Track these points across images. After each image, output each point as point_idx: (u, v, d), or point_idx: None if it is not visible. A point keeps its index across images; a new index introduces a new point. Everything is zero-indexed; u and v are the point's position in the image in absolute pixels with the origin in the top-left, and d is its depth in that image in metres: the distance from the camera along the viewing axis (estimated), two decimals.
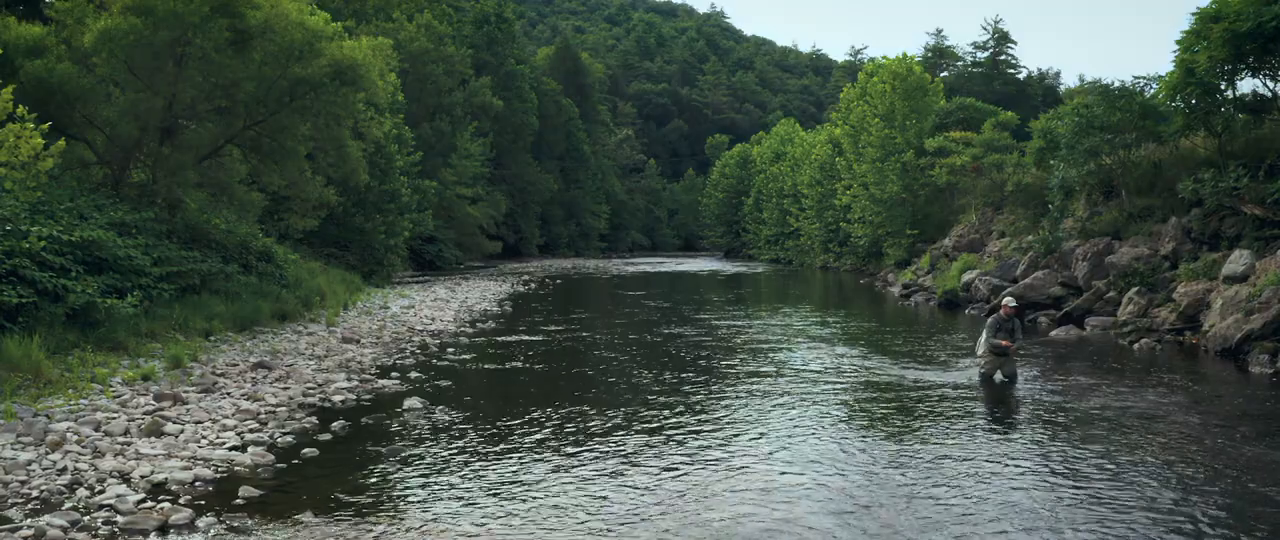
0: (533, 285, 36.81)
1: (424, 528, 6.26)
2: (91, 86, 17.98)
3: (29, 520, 6.32)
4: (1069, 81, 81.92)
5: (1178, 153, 21.97)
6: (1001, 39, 71.65)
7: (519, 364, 14.38)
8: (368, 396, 11.02)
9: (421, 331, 18.18)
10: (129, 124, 18.02)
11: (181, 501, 6.71)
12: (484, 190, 60.60)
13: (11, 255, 11.80)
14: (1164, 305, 18.29)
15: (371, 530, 6.16)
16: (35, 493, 6.92)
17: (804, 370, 13.76)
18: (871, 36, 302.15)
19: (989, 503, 6.88)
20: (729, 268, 59.14)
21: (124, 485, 7.08)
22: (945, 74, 72.47)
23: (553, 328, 19.86)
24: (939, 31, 77.67)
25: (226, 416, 9.46)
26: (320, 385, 11.44)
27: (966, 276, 25.32)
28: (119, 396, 10.14)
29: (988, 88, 67.61)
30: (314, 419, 9.57)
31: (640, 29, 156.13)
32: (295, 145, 19.26)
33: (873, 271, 41.37)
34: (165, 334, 14.05)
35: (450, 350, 15.59)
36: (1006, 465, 8.02)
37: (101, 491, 6.92)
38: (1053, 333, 18.70)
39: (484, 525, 6.33)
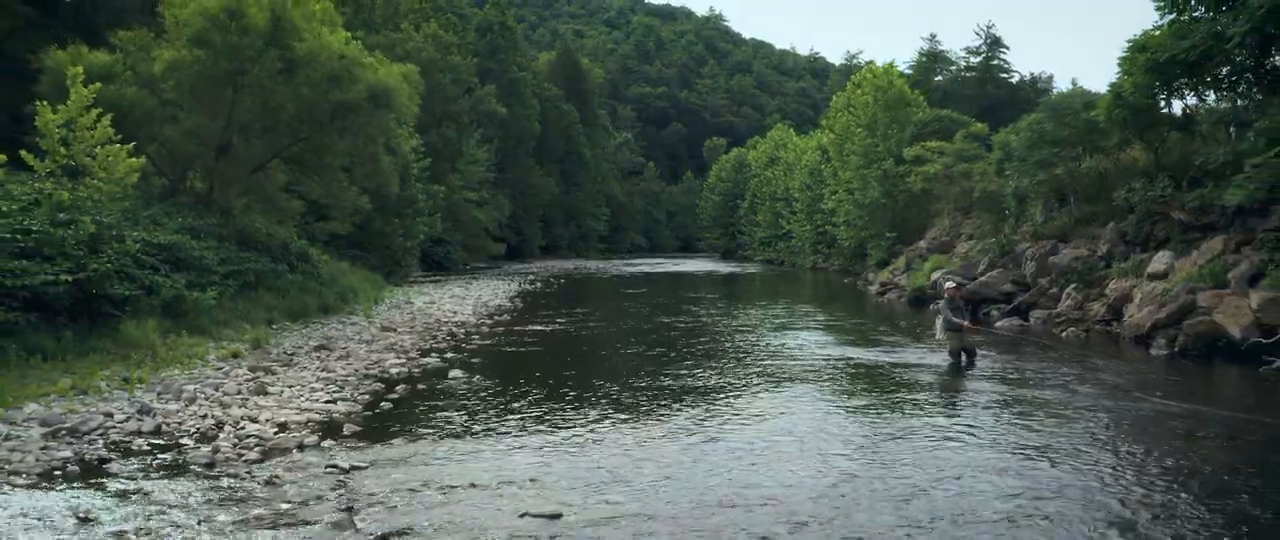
0: (538, 284, 39.37)
1: (481, 444, 8.81)
2: (156, 108, 20.50)
3: (198, 446, 8.85)
4: (1062, 85, 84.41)
5: (1119, 164, 24.52)
6: (994, 44, 74.14)
7: (537, 347, 16.97)
8: (417, 369, 13.60)
9: (447, 322, 20.74)
10: (189, 142, 20.55)
11: (304, 432, 9.26)
12: (488, 194, 63.12)
13: (120, 256, 14.33)
14: (1097, 300, 20.84)
15: (448, 446, 8.75)
16: (192, 430, 9.45)
17: (782, 353, 16.32)
18: (869, 39, 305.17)
19: (941, 459, 9.43)
20: (725, 268, 61.70)
21: (256, 425, 9.61)
22: (940, 78, 74.98)
23: (563, 320, 22.42)
24: (933, 36, 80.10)
25: (312, 383, 12.02)
26: (377, 362, 14.01)
27: (935, 275, 27.89)
28: (220, 369, 12.69)
29: (980, 92, 69.94)
30: (380, 384, 12.14)
31: (639, 32, 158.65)
32: (334, 160, 21.81)
33: (857, 271, 44.01)
34: (235, 323, 16.58)
35: (476, 337, 18.17)
36: (950, 424, 10.59)
37: (242, 428, 9.45)
38: (998, 324, 21.30)
39: (523, 445, 8.88)
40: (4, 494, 7.11)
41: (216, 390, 11.23)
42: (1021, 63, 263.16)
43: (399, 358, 14.57)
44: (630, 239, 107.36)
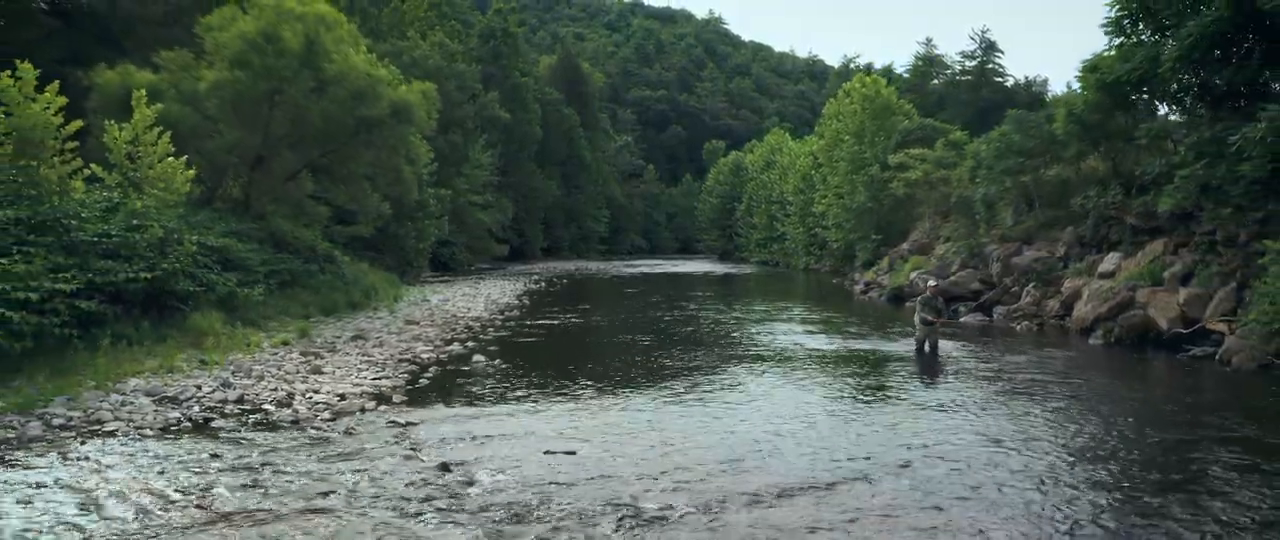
0: (542, 284, 41.48)
1: (507, 408, 10.90)
2: (199, 123, 22.55)
3: (280, 409, 10.94)
4: (1058, 88, 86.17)
5: (1079, 173, 26.63)
6: (989, 48, 76.01)
7: (547, 338, 19.09)
8: (444, 355, 15.70)
9: (463, 317, 22.83)
10: (228, 154, 22.63)
11: (363, 400, 11.35)
12: (492, 196, 65.21)
13: (182, 257, 16.40)
14: (1053, 297, 22.95)
15: (480, 410, 10.86)
16: (269, 400, 11.52)
17: (765, 342, 18.41)
18: (868, 41, 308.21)
19: (879, 414, 11.54)
20: (721, 269, 63.82)
21: (320, 395, 11.69)
22: (936, 82, 76.88)
23: (568, 315, 24.53)
24: (929, 40, 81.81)
25: (357, 365, 14.11)
26: (408, 349, 16.10)
27: (913, 275, 29.99)
28: (275, 354, 14.78)
29: (975, 96, 71.76)
30: (415, 367, 14.24)
31: (639, 35, 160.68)
32: (358, 169, 23.91)
33: (846, 271, 46.14)
34: (278, 317, 18.67)
35: (491, 329, 20.28)
36: (889, 393, 12.69)
37: (310, 397, 11.54)
38: (964, 318, 23.41)
39: (541, 409, 10.98)
40: (140, 442, 9.19)
41: (279, 370, 13.33)
42: (1021, 65, 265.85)
43: (427, 346, 16.67)
44: (630, 240, 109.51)
